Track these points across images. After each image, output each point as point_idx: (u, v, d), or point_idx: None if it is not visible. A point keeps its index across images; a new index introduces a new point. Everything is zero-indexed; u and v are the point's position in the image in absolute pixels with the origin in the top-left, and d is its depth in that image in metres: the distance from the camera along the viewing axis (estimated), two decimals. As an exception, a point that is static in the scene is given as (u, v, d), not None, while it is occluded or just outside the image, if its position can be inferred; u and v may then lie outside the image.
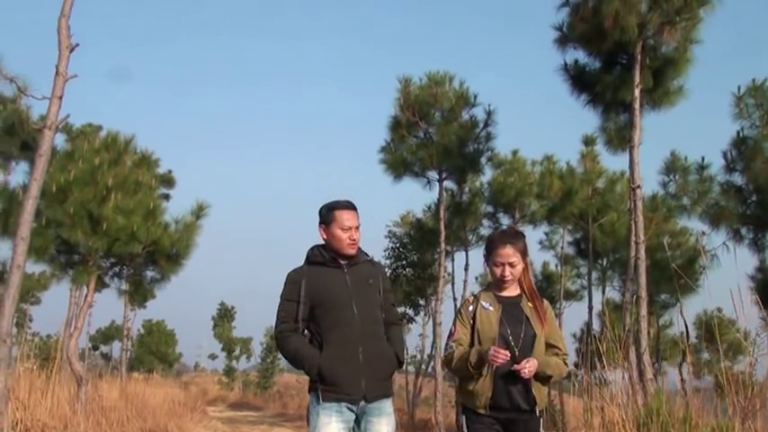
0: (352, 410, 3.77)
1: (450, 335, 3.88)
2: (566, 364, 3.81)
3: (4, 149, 18.40)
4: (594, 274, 18.72)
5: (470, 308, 3.86)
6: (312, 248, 4.02)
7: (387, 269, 18.68)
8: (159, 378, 27.08)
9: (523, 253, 3.85)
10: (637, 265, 10.00)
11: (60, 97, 7.76)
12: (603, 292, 19.03)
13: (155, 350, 39.25)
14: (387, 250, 18.51)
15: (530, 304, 3.84)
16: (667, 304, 16.19)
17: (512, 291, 3.89)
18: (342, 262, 3.95)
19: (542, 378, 3.70)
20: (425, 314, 18.09)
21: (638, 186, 10.21)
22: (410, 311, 19.26)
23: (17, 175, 20.10)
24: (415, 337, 24.26)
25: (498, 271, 3.84)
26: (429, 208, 16.71)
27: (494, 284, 3.94)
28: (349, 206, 3.96)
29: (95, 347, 43.89)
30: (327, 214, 3.94)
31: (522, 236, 3.94)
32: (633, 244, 10.18)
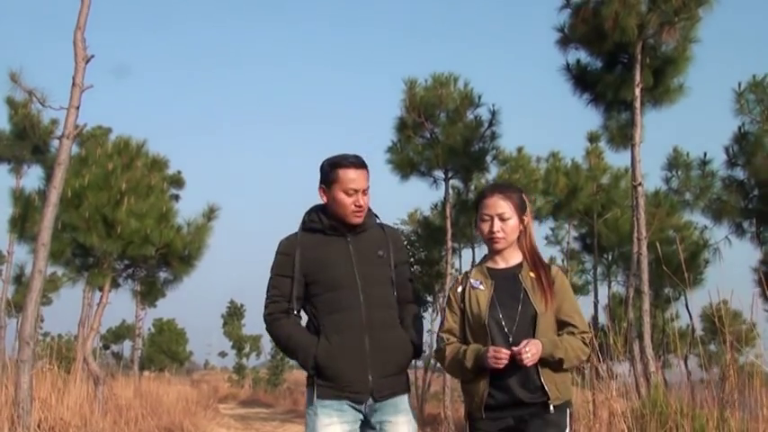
0: (357, 410, 3.16)
1: (441, 325, 3.22)
2: (585, 344, 3.04)
3: (17, 154, 18.74)
4: (600, 269, 18.92)
5: (459, 289, 3.17)
6: (309, 211, 3.33)
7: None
8: (170, 376, 27.37)
9: (519, 207, 3.12)
10: (639, 261, 10.20)
11: (77, 107, 8.03)
12: (609, 287, 19.28)
13: (166, 349, 39.61)
14: (394, 248, 18.67)
15: (531, 273, 3.09)
16: (672, 298, 16.40)
17: (509, 258, 3.16)
18: (344, 229, 3.26)
19: (552, 364, 2.96)
20: (433, 310, 18.32)
21: (640, 184, 10.42)
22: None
23: (29, 178, 20.45)
24: (424, 333, 24.48)
25: (486, 227, 3.11)
26: (436, 206, 16.95)
27: (488, 255, 3.23)
28: (356, 163, 3.21)
29: (106, 347, 44.28)
30: (329, 172, 3.21)
31: (516, 189, 3.21)
32: (635, 240, 10.39)
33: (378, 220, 3.39)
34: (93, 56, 8.27)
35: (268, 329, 3.28)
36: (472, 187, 15.59)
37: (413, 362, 3.51)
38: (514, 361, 2.89)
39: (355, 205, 3.18)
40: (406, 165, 14.51)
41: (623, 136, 11.71)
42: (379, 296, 3.22)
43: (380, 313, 3.20)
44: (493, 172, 15.16)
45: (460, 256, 18.20)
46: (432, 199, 15.80)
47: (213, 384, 34.92)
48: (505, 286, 3.07)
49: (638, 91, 10.56)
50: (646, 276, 10.10)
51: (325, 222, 3.23)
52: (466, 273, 3.27)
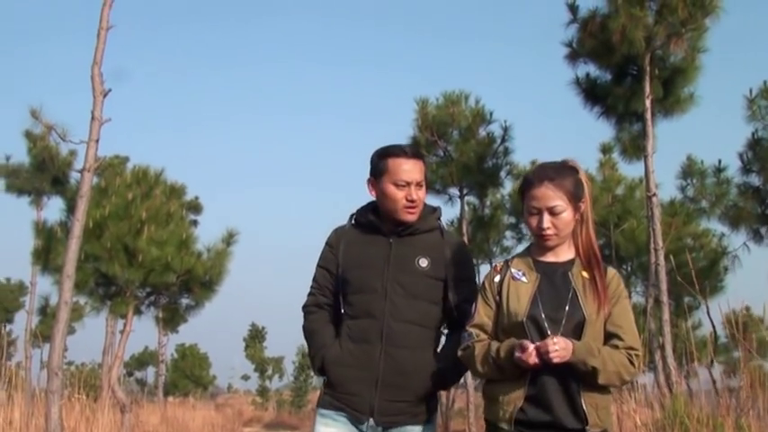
0: (357, 427, 2.80)
1: (470, 318, 2.71)
2: (632, 362, 2.54)
3: (36, 186, 19.06)
4: (619, 280, 18.88)
5: (497, 278, 2.68)
6: (364, 206, 3.00)
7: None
8: (195, 401, 27.50)
9: (573, 195, 2.60)
10: (657, 271, 10.24)
11: (97, 141, 8.23)
12: (630, 297, 19.25)
13: (189, 374, 39.78)
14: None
15: (584, 273, 2.62)
16: (693, 306, 16.34)
17: (560, 254, 2.67)
18: (389, 228, 2.88)
19: (588, 376, 2.49)
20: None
21: (654, 194, 10.47)
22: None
23: (50, 210, 20.72)
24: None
25: (534, 222, 2.62)
26: (452, 223, 17.06)
27: (535, 245, 2.73)
28: (410, 153, 2.86)
29: (130, 373, 44.53)
30: (378, 163, 2.87)
31: (569, 171, 2.65)
32: (652, 250, 10.42)
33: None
34: (110, 90, 8.48)
35: (305, 325, 2.99)
36: (488, 203, 15.68)
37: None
38: (554, 373, 2.48)
39: (407, 199, 2.79)
40: (421, 183, 14.63)
41: (636, 147, 11.78)
42: (408, 309, 2.79)
43: (405, 329, 2.77)
44: (507, 186, 15.27)
45: (479, 272, 18.28)
46: (448, 216, 15.91)
47: (237, 408, 34.97)
48: (552, 283, 2.60)
49: (648, 102, 10.65)
50: (664, 286, 10.13)
51: (369, 218, 2.89)
52: (506, 261, 2.75)
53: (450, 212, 15.98)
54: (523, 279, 2.62)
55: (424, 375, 2.80)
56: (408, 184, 2.79)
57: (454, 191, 15.01)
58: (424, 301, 2.83)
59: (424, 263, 2.82)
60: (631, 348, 2.55)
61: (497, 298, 2.65)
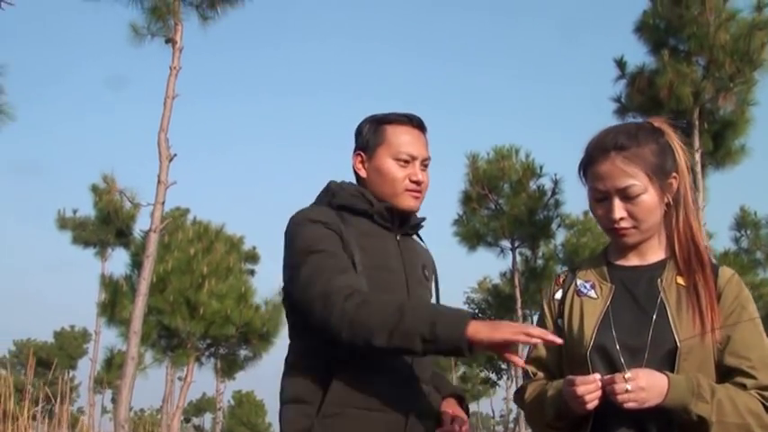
0: None
1: (528, 352, 1.99)
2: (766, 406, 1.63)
3: (102, 238, 19.85)
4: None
5: (558, 294, 1.88)
6: (338, 183, 2.05)
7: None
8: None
9: (657, 169, 1.72)
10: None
11: (162, 203, 8.69)
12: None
13: (245, 421, 40.13)
14: (466, 316, 19.05)
15: (680, 280, 1.75)
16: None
17: (647, 254, 1.81)
18: (390, 221, 2.01)
19: (688, 426, 1.61)
20: (508, 378, 18.38)
21: (706, 247, 10.50)
22: (493, 376, 19.69)
23: (114, 261, 21.48)
24: (500, 400, 24.47)
25: (601, 211, 1.77)
26: (504, 275, 17.21)
27: (612, 245, 1.87)
28: (413, 122, 2.06)
29: (187, 420, 45.07)
30: (372, 131, 2.05)
31: (651, 133, 1.76)
32: (706, 303, 10.41)
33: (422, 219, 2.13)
34: (175, 155, 8.96)
35: (354, 320, 1.70)
36: (540, 254, 15.80)
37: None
38: (633, 426, 1.66)
39: (411, 180, 1.99)
40: (472, 236, 14.94)
41: (687, 200, 11.83)
42: None
43: (427, 360, 1.94)
44: (559, 237, 15.40)
45: (532, 323, 18.27)
46: (500, 268, 16.09)
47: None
48: (632, 296, 1.77)
49: (698, 156, 10.74)
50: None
51: (377, 204, 1.98)
52: (573, 269, 1.94)
53: (502, 264, 16.17)
54: (591, 294, 1.82)
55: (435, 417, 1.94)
56: (414, 159, 2.00)
57: (506, 243, 15.27)
58: None
59: (427, 271, 2.08)
60: (767, 388, 1.64)
61: (560, 321, 1.85)
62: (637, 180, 1.70)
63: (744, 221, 13.79)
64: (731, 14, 10.70)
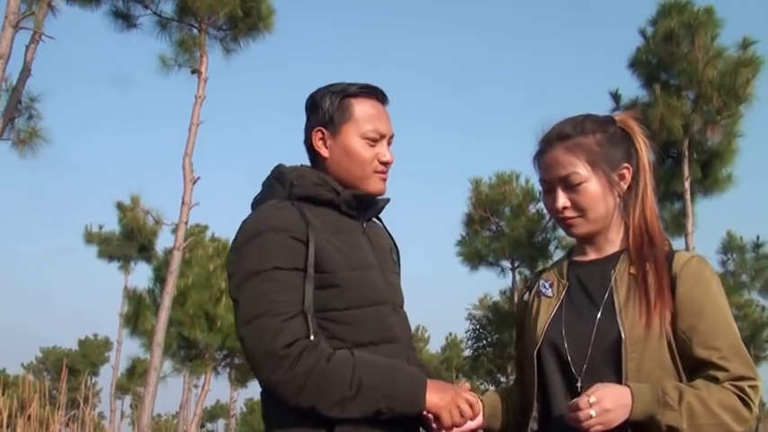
0: None
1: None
2: (745, 400, 1.54)
3: (125, 252, 20.68)
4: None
5: (525, 297, 1.87)
6: (293, 169, 1.83)
7: (468, 349, 19.96)
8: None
9: (600, 158, 1.69)
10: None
11: (186, 222, 9.44)
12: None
13: (257, 427, 40.71)
14: (468, 332, 19.87)
15: (632, 269, 1.67)
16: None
17: (604, 247, 1.75)
18: (357, 209, 1.85)
19: None
20: (510, 391, 19.04)
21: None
22: (492, 389, 20.35)
23: (136, 274, 22.27)
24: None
25: (549, 202, 1.74)
26: (504, 293, 17.88)
27: (577, 243, 1.82)
28: (378, 95, 1.87)
29: (202, 425, 45.75)
30: (339, 107, 1.81)
31: (599, 123, 1.74)
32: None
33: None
34: (199, 177, 9.69)
35: (296, 382, 1.58)
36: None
37: None
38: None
39: (380, 161, 1.82)
40: (474, 256, 15.77)
41: (677, 224, 12.46)
42: (406, 320, 1.88)
43: (411, 343, 1.86)
44: (556, 258, 16.07)
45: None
46: (500, 286, 16.86)
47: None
48: (585, 291, 1.72)
49: (687, 184, 11.39)
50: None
51: (343, 193, 1.80)
52: (539, 271, 1.93)
53: (502, 283, 16.86)
54: (549, 293, 1.77)
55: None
56: (382, 137, 1.83)
57: (506, 263, 16.06)
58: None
59: (394, 258, 1.95)
60: (741, 378, 1.56)
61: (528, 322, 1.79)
62: (577, 169, 1.68)
63: (730, 245, 14.35)
64: (718, 52, 11.38)
